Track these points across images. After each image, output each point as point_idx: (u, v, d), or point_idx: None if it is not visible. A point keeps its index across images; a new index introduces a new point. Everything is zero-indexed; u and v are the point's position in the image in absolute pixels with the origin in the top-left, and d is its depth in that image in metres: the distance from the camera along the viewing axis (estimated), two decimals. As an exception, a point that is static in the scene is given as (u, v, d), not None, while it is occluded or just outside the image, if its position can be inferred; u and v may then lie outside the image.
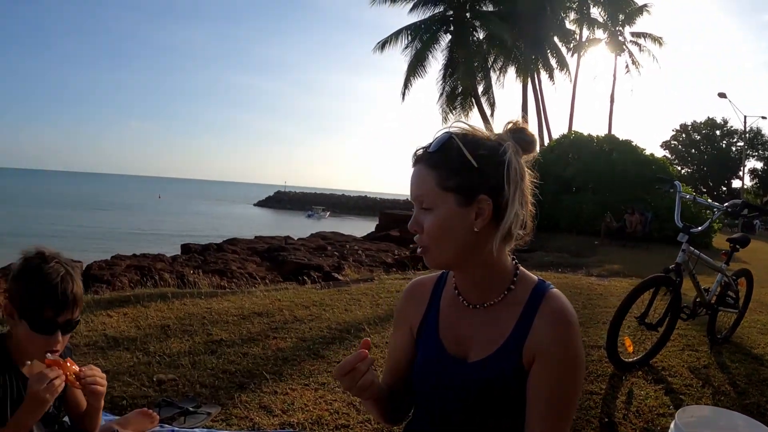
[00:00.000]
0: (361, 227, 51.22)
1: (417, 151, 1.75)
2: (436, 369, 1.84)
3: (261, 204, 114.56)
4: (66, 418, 2.70)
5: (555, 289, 1.78)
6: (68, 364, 2.29)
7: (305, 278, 11.32)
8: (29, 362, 2.43)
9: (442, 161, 1.66)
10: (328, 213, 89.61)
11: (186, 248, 27.78)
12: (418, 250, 1.77)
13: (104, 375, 2.38)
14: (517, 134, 1.71)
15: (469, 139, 1.68)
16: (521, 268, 1.83)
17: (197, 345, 5.45)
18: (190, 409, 3.80)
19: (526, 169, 1.72)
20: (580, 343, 1.71)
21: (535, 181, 1.76)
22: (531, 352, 1.69)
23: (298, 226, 54.22)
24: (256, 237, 32.67)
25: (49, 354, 2.25)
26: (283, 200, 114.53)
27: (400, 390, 2.01)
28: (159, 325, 6.13)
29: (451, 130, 1.71)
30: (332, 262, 22.08)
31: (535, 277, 1.82)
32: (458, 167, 1.64)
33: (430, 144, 1.71)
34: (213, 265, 20.09)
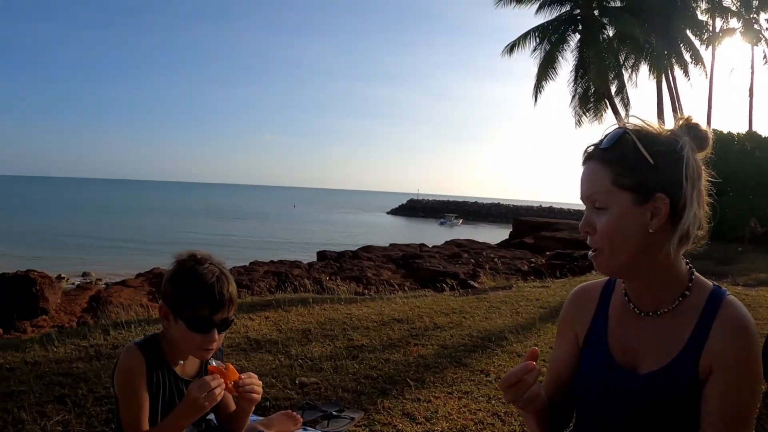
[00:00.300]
0: (494, 235, 50.68)
1: (588, 148, 1.65)
2: (603, 377, 1.70)
3: (394, 212, 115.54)
4: (212, 416, 2.70)
5: (731, 296, 1.62)
6: (229, 372, 2.28)
7: (443, 285, 11.20)
8: (182, 361, 2.47)
9: (616, 158, 1.57)
10: (461, 221, 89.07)
11: (322, 255, 28.35)
12: (590, 253, 1.64)
13: (261, 383, 2.36)
14: (692, 130, 1.61)
15: (643, 134, 1.58)
16: (696, 272, 1.67)
17: (338, 350, 5.42)
18: (333, 413, 3.74)
19: (702, 166, 1.60)
20: (759, 353, 1.55)
21: (711, 179, 1.63)
22: (708, 363, 1.54)
23: (431, 234, 54.31)
24: (390, 245, 32.90)
25: (213, 361, 2.26)
26: (415, 208, 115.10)
27: (560, 401, 1.86)
28: (300, 329, 6.17)
29: (625, 125, 1.61)
30: (467, 269, 21.85)
31: (710, 283, 1.66)
32: (634, 164, 1.55)
33: (602, 140, 1.61)
34: (349, 272, 20.34)
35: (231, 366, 2.29)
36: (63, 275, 29.30)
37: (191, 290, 2.25)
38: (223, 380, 2.21)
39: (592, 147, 1.64)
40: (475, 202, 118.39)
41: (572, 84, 30.98)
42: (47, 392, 4.28)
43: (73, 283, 25.63)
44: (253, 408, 2.50)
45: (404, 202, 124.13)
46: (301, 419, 3.26)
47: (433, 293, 9.74)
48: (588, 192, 1.61)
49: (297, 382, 4.47)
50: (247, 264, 23.44)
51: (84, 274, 31.14)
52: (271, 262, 25.20)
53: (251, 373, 2.36)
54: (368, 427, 3.69)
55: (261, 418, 3.44)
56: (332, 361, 5.03)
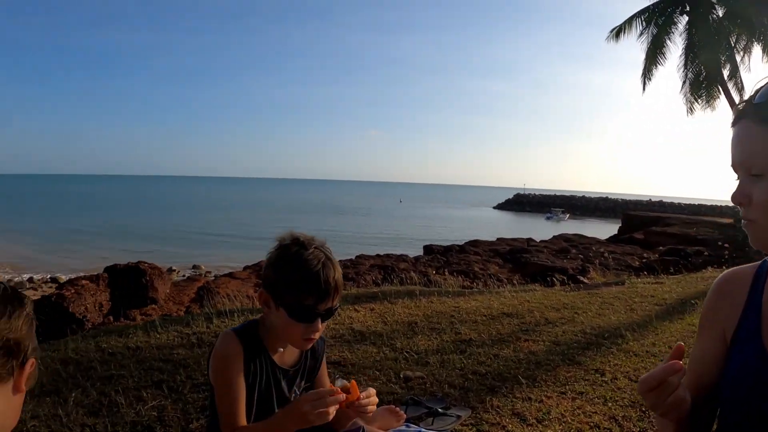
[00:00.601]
0: (602, 230, 49.17)
1: (739, 105, 1.35)
2: (755, 372, 1.42)
3: (500, 207, 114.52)
4: None
5: None
6: (352, 392, 2.07)
7: (553, 280, 10.81)
8: (281, 349, 2.33)
9: None
10: (567, 215, 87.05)
11: (428, 249, 28.20)
12: (743, 222, 1.37)
13: (377, 400, 2.17)
14: None
15: None
16: None
17: (445, 343, 5.21)
18: (439, 410, 3.53)
19: None
20: None
21: None
22: None
23: (538, 229, 53.34)
24: (497, 239, 32.41)
25: (338, 380, 2.09)
26: (522, 203, 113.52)
27: (701, 405, 1.54)
28: (406, 321, 6.01)
29: None
30: (576, 264, 21.20)
31: None
32: None
33: (755, 94, 1.31)
34: (456, 266, 20.10)
35: (355, 385, 2.08)
36: (174, 268, 30.45)
37: (294, 277, 2.10)
38: (342, 400, 2.01)
39: (744, 103, 1.35)
40: (583, 197, 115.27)
41: (682, 69, 29.30)
42: (146, 377, 4.30)
43: (184, 275, 26.51)
44: None
45: (511, 196, 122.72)
46: (405, 415, 3.07)
47: (542, 288, 9.39)
48: (741, 157, 1.33)
49: (401, 375, 4.30)
50: (353, 258, 23.54)
51: (194, 267, 32.24)
52: (377, 255, 25.24)
53: (371, 391, 2.16)
54: (476, 426, 3.46)
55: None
56: (438, 355, 4.84)
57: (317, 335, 2.21)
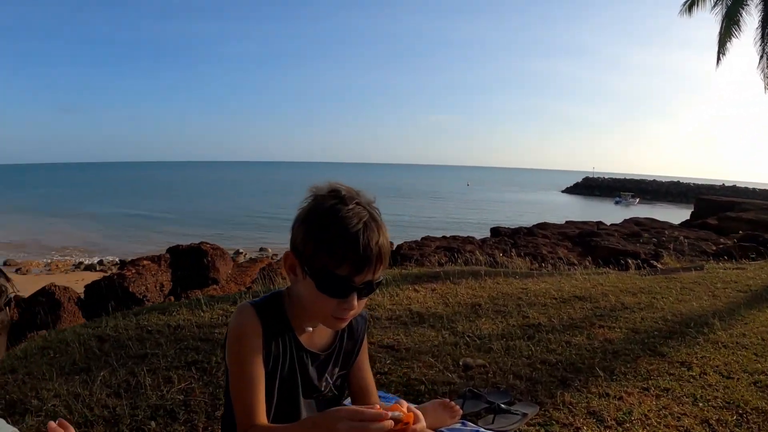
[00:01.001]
0: (673, 215, 47.46)
1: None
2: None
3: (569, 190, 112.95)
4: (348, 401, 2.13)
5: None
6: (403, 418, 1.53)
7: (628, 262, 10.16)
8: (309, 328, 1.89)
9: None
10: (637, 200, 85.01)
11: (495, 231, 27.56)
12: None
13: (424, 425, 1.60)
14: None
15: None
16: None
17: (511, 328, 4.72)
18: (502, 405, 3.01)
19: None
20: None
21: None
22: None
23: (607, 213, 52.00)
24: (566, 222, 31.49)
25: (398, 401, 1.57)
26: (591, 186, 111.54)
27: None
28: (469, 303, 5.53)
29: None
30: (648, 249, 20.21)
31: None
32: None
33: None
34: (523, 249, 19.42)
35: (408, 414, 1.54)
36: (241, 250, 30.65)
37: (327, 238, 1.64)
38: (386, 425, 1.47)
39: None
40: (653, 181, 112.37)
41: (759, 43, 27.65)
42: (179, 357, 4.00)
43: (250, 258, 26.59)
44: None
45: (579, 180, 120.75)
46: (461, 411, 2.60)
47: (616, 271, 8.75)
48: None
49: (461, 363, 3.82)
50: (419, 239, 23.06)
51: (261, 249, 32.46)
52: (443, 237, 24.73)
53: (420, 417, 1.59)
54: (544, 427, 2.94)
55: (412, 405, 2.85)
56: (503, 341, 4.34)
57: (352, 314, 1.75)
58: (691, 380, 3.61)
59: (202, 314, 5.08)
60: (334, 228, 1.64)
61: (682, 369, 3.82)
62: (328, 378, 2.00)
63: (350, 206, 1.67)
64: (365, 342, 2.11)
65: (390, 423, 1.45)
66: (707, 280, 7.36)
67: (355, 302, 1.71)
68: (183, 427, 2.99)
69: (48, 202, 65.92)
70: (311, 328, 1.90)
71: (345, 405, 2.02)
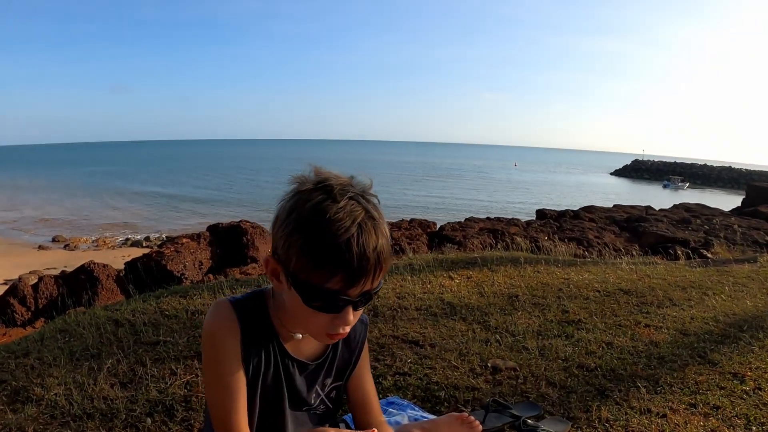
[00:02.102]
0: (724, 201, 46.07)
1: None
2: None
3: (617, 173, 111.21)
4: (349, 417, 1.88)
5: None
6: None
7: (677, 251, 9.65)
8: (298, 335, 1.60)
9: None
10: (687, 184, 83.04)
11: (541, 214, 27.02)
12: None
13: None
14: None
15: None
16: None
17: (549, 324, 4.35)
18: (528, 421, 2.64)
19: None
20: None
21: None
22: None
23: (654, 197, 50.79)
24: (614, 206, 30.72)
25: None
26: (640, 169, 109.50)
27: None
28: (506, 293, 5.18)
29: None
30: (698, 237, 19.51)
31: None
32: None
33: None
34: (569, 233, 18.91)
35: None
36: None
37: (313, 247, 1.32)
38: None
39: None
40: (704, 165, 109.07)
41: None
42: (190, 346, 3.76)
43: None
44: None
45: (628, 162, 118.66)
46: (480, 427, 2.24)
47: (665, 261, 8.26)
48: None
49: (489, 364, 3.46)
50: (462, 220, 22.64)
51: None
52: (487, 219, 24.31)
53: None
54: (575, 449, 2.59)
55: (424, 415, 2.50)
56: (539, 339, 3.97)
57: (347, 329, 1.46)
58: (744, 396, 3.17)
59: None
60: (321, 234, 1.31)
61: (735, 382, 3.37)
62: (319, 390, 1.73)
63: (341, 203, 1.34)
64: (365, 350, 1.81)
65: None
66: (761, 275, 6.81)
67: (351, 316, 1.42)
68: (179, 427, 2.76)
69: (96, 180, 67.51)
70: (300, 336, 1.61)
71: (332, 427, 1.77)
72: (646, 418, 2.86)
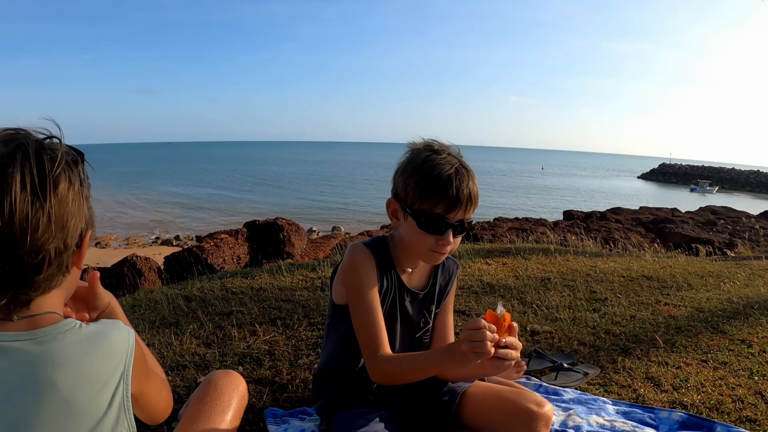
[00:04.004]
0: (752, 206, 45.74)
1: None
2: None
3: (644, 177, 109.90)
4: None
5: None
6: (505, 324, 1.71)
7: (698, 248, 10.05)
8: (410, 269, 2.19)
9: None
10: (716, 188, 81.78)
11: (568, 214, 27.32)
12: None
13: (520, 345, 1.76)
14: None
15: None
16: None
17: (578, 301, 4.85)
18: (565, 365, 3.20)
19: None
20: None
21: None
22: None
23: (682, 201, 50.54)
24: (641, 207, 30.92)
25: (499, 306, 1.75)
26: (667, 173, 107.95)
27: None
28: (539, 277, 5.68)
29: None
30: (723, 238, 19.77)
31: None
32: None
33: None
34: (595, 233, 19.24)
35: (509, 317, 1.73)
36: (314, 228, 31.16)
37: (424, 182, 1.93)
38: (497, 335, 1.67)
39: None
40: (732, 169, 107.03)
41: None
42: (263, 314, 4.25)
43: (323, 235, 26.98)
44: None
45: (655, 166, 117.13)
46: (525, 366, 2.80)
47: (687, 255, 8.70)
48: None
49: (528, 329, 4.00)
50: (491, 220, 23.08)
51: (334, 229, 32.92)
52: (516, 219, 24.70)
53: (514, 339, 1.74)
54: (603, 387, 3.11)
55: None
56: (570, 311, 4.49)
57: (449, 249, 2.01)
58: (750, 356, 3.69)
59: (282, 278, 5.36)
60: (429, 174, 1.91)
61: (742, 346, 3.89)
62: (426, 315, 2.26)
63: (443, 155, 1.96)
64: (455, 286, 2.35)
65: (495, 336, 1.66)
66: (779, 268, 7.26)
67: (451, 238, 1.96)
68: (268, 372, 3.22)
69: (126, 180, 68.10)
70: (411, 270, 2.17)
71: None
72: (663, 368, 3.41)
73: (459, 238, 2.02)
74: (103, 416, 1.22)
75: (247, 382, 3.11)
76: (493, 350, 1.64)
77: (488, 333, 1.63)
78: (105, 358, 1.24)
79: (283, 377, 3.16)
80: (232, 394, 1.83)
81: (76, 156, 1.28)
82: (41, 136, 1.23)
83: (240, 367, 3.28)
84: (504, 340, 1.68)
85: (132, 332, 1.32)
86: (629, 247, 10.30)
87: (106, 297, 1.65)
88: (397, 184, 2.00)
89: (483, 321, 1.66)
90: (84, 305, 1.59)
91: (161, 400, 1.49)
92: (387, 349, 1.99)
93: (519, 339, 1.67)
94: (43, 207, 1.15)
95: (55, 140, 1.25)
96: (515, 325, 1.74)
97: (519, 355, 1.73)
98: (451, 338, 2.34)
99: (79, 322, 1.25)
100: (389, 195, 2.04)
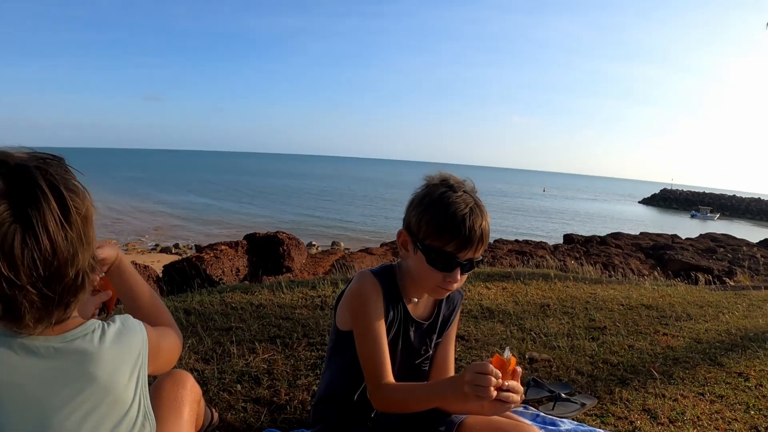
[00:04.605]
0: (752, 233, 45.71)
1: None
2: None
3: (645, 201, 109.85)
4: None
5: None
6: (510, 368, 1.73)
7: (698, 276, 10.06)
8: (416, 299, 2.19)
9: None
10: (717, 215, 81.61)
11: (568, 238, 27.34)
12: None
13: (522, 389, 1.77)
14: None
15: None
16: None
17: (577, 329, 4.87)
18: (562, 395, 3.22)
19: None
20: None
21: None
22: None
23: (682, 227, 50.53)
24: (641, 233, 30.95)
25: (507, 351, 1.75)
26: (668, 198, 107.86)
27: None
28: (538, 303, 5.69)
29: None
30: (723, 266, 19.79)
31: None
32: None
33: None
34: (595, 258, 19.29)
35: (514, 361, 1.74)
36: (314, 243, 31.12)
37: (437, 219, 1.94)
38: (501, 380, 1.69)
39: None
40: (733, 196, 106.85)
41: None
42: (262, 332, 4.25)
43: (321, 250, 26.92)
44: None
45: (657, 191, 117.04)
46: (523, 397, 2.82)
47: (686, 284, 8.71)
48: None
49: (526, 356, 4.02)
50: (492, 242, 23.12)
51: (333, 244, 32.83)
52: (516, 241, 24.73)
53: (517, 384, 1.75)
54: (600, 418, 3.13)
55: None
56: (568, 339, 4.50)
57: (456, 286, 2.02)
58: (747, 390, 3.70)
59: (282, 295, 5.36)
60: (443, 211, 1.92)
61: (739, 379, 3.90)
62: (429, 344, 2.28)
63: (458, 193, 1.97)
64: (458, 317, 2.37)
65: (499, 382, 1.67)
66: (778, 299, 7.28)
67: (458, 276, 1.97)
68: (267, 391, 3.22)
69: (128, 186, 68.10)
70: (416, 300, 2.18)
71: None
72: (660, 400, 3.42)
73: (466, 276, 2.03)
74: (132, 401, 1.43)
75: (245, 402, 3.15)
76: (495, 394, 1.66)
77: (493, 379, 1.65)
78: (128, 352, 1.45)
79: (281, 397, 3.16)
80: (182, 393, 1.91)
81: (62, 162, 1.35)
82: (20, 155, 1.28)
83: (238, 386, 3.28)
84: (507, 384, 1.70)
85: (142, 326, 1.54)
86: (629, 275, 10.31)
87: (112, 252, 1.84)
88: (410, 217, 2.01)
89: (490, 366, 1.67)
90: None
91: (173, 355, 1.75)
92: (390, 378, 2.00)
93: (518, 365, 1.70)
94: (72, 230, 1.26)
95: (49, 161, 1.32)
96: (519, 369, 1.75)
97: (520, 399, 1.74)
98: (451, 367, 2.36)
99: (100, 322, 1.44)
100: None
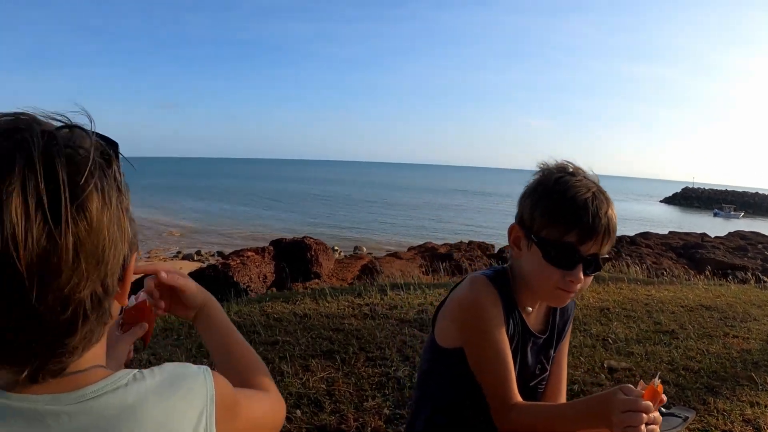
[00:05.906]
0: (774, 230, 44.80)
1: None
2: None
3: (667, 201, 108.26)
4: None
5: None
6: (658, 398, 1.49)
7: (747, 276, 9.72)
8: (530, 309, 1.80)
9: None
10: (742, 213, 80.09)
11: (598, 239, 26.97)
12: None
13: (660, 420, 1.49)
14: None
15: None
16: None
17: (645, 333, 4.63)
18: (662, 409, 2.97)
19: None
20: None
21: None
22: None
23: (706, 226, 49.68)
24: (670, 232, 30.41)
25: (658, 380, 1.50)
26: (690, 197, 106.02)
27: None
28: (597, 306, 5.46)
29: None
30: (756, 264, 19.35)
31: None
32: None
33: None
34: (627, 258, 18.92)
35: (661, 389, 1.52)
36: (337, 248, 30.90)
37: (555, 207, 1.62)
38: (651, 405, 1.44)
39: None
40: (756, 193, 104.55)
41: None
42: (314, 345, 4.01)
43: (345, 255, 26.63)
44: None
45: (678, 190, 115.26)
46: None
47: (735, 283, 8.41)
48: None
49: (605, 365, 3.78)
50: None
51: (355, 248, 32.54)
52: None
53: (657, 415, 1.48)
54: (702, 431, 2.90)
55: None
56: (641, 345, 4.26)
57: (577, 288, 1.66)
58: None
59: (327, 304, 5.11)
60: (562, 196, 1.62)
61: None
62: (544, 361, 1.91)
63: (578, 177, 1.67)
64: (570, 327, 2.01)
65: (650, 409, 1.44)
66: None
67: (581, 275, 1.63)
68: (331, 417, 2.95)
69: (149, 194, 68.26)
70: (531, 309, 1.82)
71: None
72: (758, 409, 3.18)
73: (590, 278, 1.70)
74: None
75: (308, 430, 2.86)
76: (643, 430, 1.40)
77: (645, 416, 1.40)
78: (183, 409, 0.90)
79: (350, 424, 2.90)
80: None
81: (107, 149, 0.84)
82: (57, 124, 0.80)
83: (298, 411, 3.01)
84: (652, 416, 1.44)
85: (208, 372, 0.97)
86: (679, 275, 9.95)
87: (199, 295, 1.31)
88: (523, 208, 1.70)
89: (648, 404, 1.43)
90: (172, 300, 1.29)
91: (262, 426, 1.14)
92: (519, 397, 1.68)
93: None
94: (63, 237, 0.73)
95: (77, 130, 0.81)
96: (665, 398, 1.51)
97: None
98: (564, 389, 2.01)
99: (135, 371, 0.89)
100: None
